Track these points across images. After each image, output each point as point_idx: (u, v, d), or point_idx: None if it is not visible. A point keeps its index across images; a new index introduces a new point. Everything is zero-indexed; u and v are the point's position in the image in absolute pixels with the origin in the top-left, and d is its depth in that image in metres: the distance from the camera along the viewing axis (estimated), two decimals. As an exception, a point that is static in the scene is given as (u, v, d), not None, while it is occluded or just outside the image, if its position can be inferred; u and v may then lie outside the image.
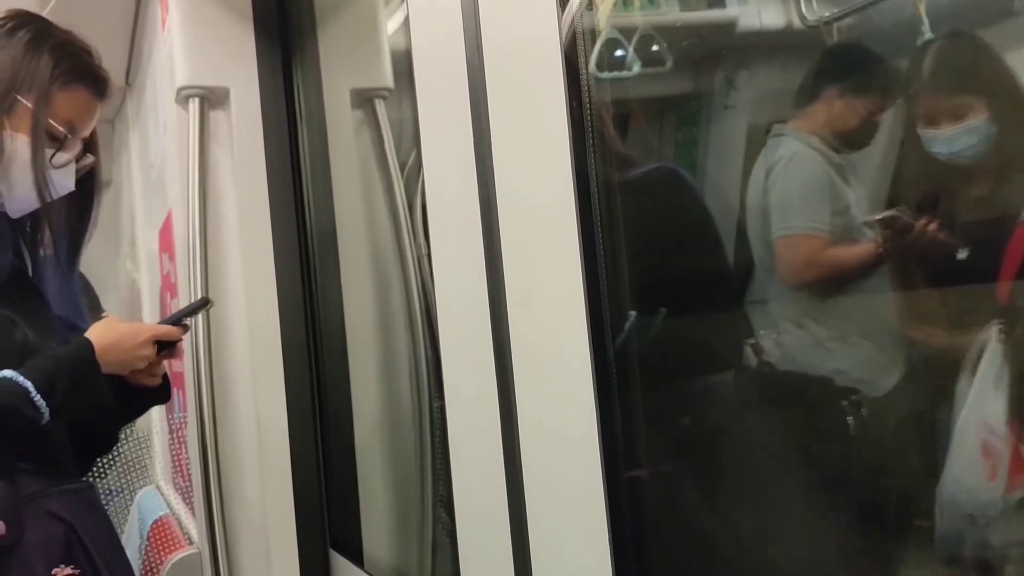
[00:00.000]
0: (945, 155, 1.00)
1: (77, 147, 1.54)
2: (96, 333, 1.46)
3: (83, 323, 1.55)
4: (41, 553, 1.40)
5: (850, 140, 1.20)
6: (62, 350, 1.44)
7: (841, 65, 1.20)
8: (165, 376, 1.61)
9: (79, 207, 1.62)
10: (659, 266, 1.20)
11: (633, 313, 1.11)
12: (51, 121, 1.48)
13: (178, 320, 1.58)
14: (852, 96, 1.18)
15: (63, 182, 1.52)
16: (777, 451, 1.14)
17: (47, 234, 1.54)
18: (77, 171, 1.55)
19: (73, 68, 1.52)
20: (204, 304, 1.65)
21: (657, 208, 1.23)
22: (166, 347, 1.55)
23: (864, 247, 1.13)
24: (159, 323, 1.59)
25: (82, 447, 1.58)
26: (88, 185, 1.61)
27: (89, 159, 1.58)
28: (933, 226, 0.98)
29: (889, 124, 1.10)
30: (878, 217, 1.07)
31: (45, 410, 1.35)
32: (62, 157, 1.51)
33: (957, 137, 0.99)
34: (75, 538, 1.44)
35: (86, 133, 1.56)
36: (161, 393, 1.62)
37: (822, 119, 1.20)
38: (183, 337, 1.59)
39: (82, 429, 1.56)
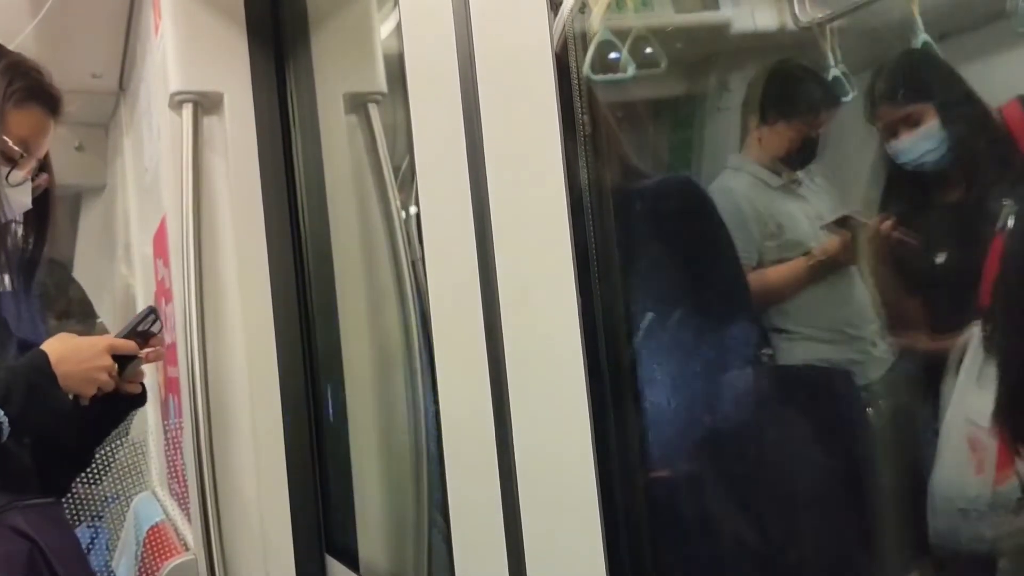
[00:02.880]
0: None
1: (32, 165, 1.54)
2: (51, 345, 1.46)
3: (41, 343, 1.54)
4: (2, 568, 1.39)
5: (788, 162, 1.24)
6: (17, 362, 1.43)
7: (755, 96, 1.24)
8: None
9: (35, 226, 1.62)
10: (656, 271, 1.20)
11: (651, 314, 1.12)
12: (5, 139, 1.48)
13: (130, 333, 1.57)
14: (774, 123, 1.24)
15: (19, 200, 1.53)
16: (772, 453, 1.14)
17: (3, 255, 1.53)
18: (33, 190, 1.55)
19: (27, 87, 1.52)
20: (150, 313, 1.63)
21: (668, 218, 1.24)
22: (126, 362, 1.54)
23: (791, 264, 1.19)
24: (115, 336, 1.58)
25: (57, 465, 1.57)
26: (43, 204, 1.61)
27: (44, 177, 1.58)
28: (887, 225, 1.01)
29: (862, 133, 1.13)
30: (831, 220, 1.10)
31: (3, 419, 1.34)
32: (17, 175, 1.51)
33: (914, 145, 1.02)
34: (39, 554, 1.43)
35: (41, 152, 1.56)
36: (138, 398, 1.62)
37: (756, 147, 1.25)
38: (140, 353, 1.58)
39: (55, 446, 1.55)
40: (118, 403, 1.60)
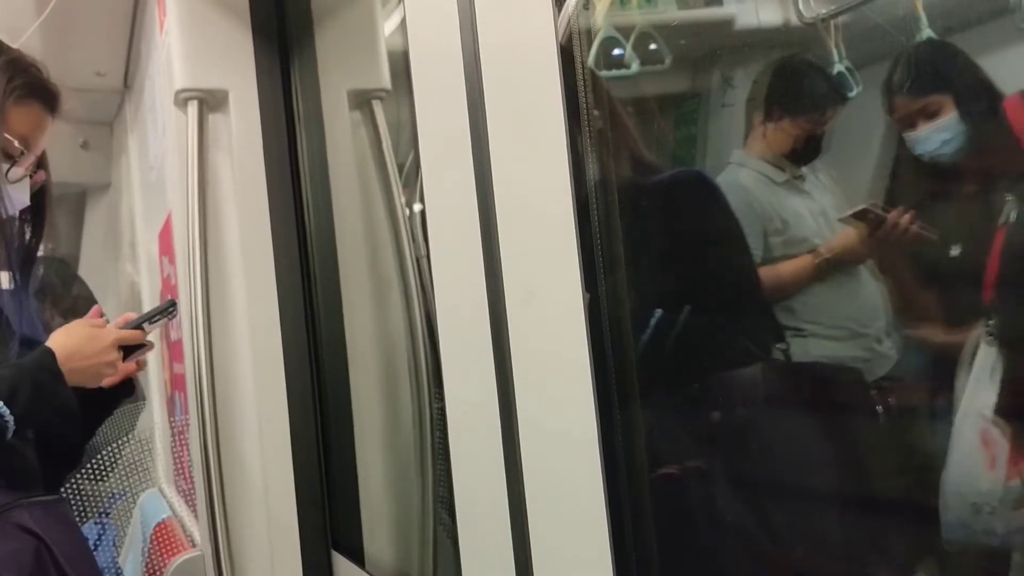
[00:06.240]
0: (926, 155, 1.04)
1: (31, 162, 1.55)
2: (57, 342, 1.46)
3: (42, 339, 1.54)
4: (10, 566, 1.39)
5: (793, 158, 1.24)
6: (23, 359, 1.44)
7: (761, 92, 1.25)
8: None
9: (32, 223, 1.63)
10: (660, 267, 1.20)
11: (660, 310, 1.12)
12: (6, 136, 1.49)
13: (141, 324, 1.58)
14: (780, 119, 1.24)
15: (19, 197, 1.54)
16: (776, 450, 1.14)
17: (3, 252, 1.54)
18: (30, 187, 1.56)
19: (27, 83, 1.53)
20: (170, 307, 1.64)
21: (681, 212, 1.24)
22: (131, 352, 1.55)
23: (801, 260, 1.19)
24: (121, 327, 1.59)
25: (52, 461, 1.57)
26: (40, 201, 1.62)
27: (40, 174, 1.59)
28: (906, 218, 1.01)
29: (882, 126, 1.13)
30: (849, 213, 1.10)
31: (10, 417, 1.34)
32: (17, 172, 1.52)
33: (931, 136, 1.02)
34: (46, 551, 1.43)
35: (40, 148, 1.57)
36: (124, 388, 1.62)
37: (760, 143, 1.25)
38: (147, 341, 1.59)
39: (50, 443, 1.55)
40: (110, 395, 1.61)
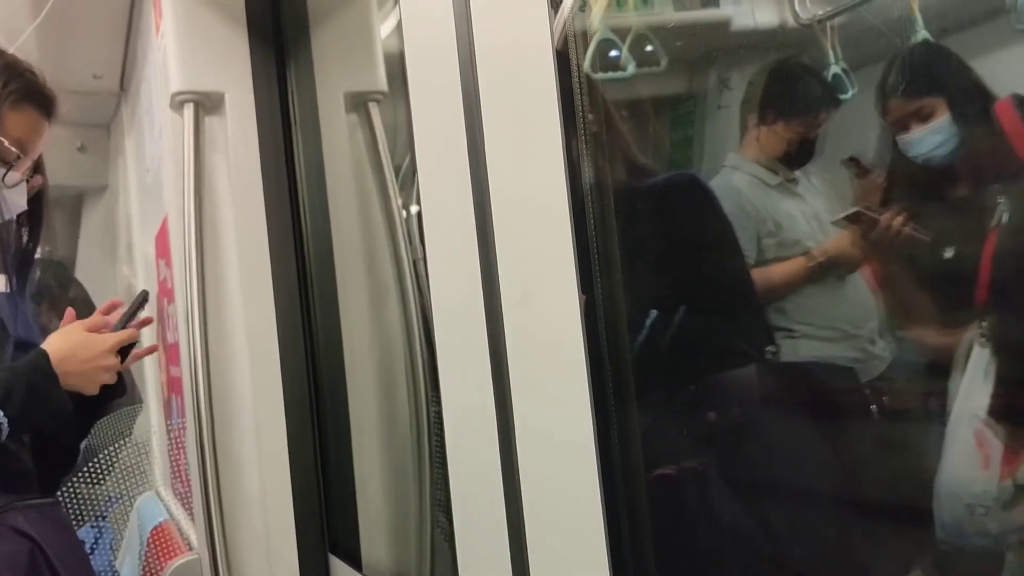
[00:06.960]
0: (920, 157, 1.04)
1: (27, 166, 1.55)
2: (52, 345, 1.46)
3: (38, 343, 1.54)
4: (4, 569, 1.39)
5: (786, 161, 1.25)
6: (17, 362, 1.44)
7: (755, 96, 1.25)
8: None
9: (29, 227, 1.63)
10: (655, 269, 1.20)
11: (655, 312, 1.12)
12: (2, 140, 1.49)
13: (127, 322, 1.58)
14: (773, 122, 1.24)
15: (16, 201, 1.54)
16: (770, 452, 1.14)
17: (0, 256, 1.54)
18: (27, 191, 1.56)
19: (22, 88, 1.53)
20: (144, 299, 1.65)
21: (674, 215, 1.25)
22: (126, 353, 1.56)
23: (791, 263, 1.20)
24: (113, 330, 1.59)
25: (48, 464, 1.57)
26: (37, 205, 1.62)
27: (38, 179, 1.59)
28: (899, 221, 1.01)
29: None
30: (841, 216, 1.10)
31: (3, 420, 1.34)
32: (14, 176, 1.52)
33: (924, 138, 1.02)
34: (40, 554, 1.43)
35: (36, 153, 1.57)
36: (117, 388, 1.63)
37: (754, 146, 1.26)
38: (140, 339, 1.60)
39: (46, 446, 1.55)
40: (101, 393, 1.61)
